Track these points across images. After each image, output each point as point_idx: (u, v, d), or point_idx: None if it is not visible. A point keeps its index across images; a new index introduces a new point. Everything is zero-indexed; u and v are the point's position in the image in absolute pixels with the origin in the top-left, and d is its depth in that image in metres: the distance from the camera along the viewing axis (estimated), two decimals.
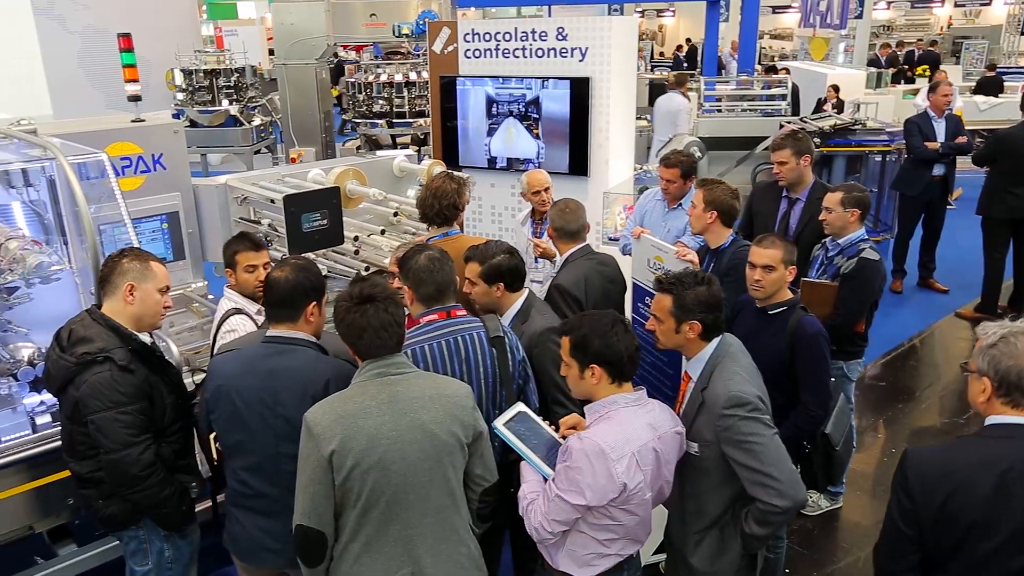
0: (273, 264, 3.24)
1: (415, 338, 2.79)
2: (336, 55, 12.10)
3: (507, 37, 6.42)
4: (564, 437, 2.57)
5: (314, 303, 2.73)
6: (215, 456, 2.83)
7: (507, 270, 3.18)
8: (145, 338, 2.96)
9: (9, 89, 10.94)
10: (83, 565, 3.65)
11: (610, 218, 6.23)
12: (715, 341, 2.77)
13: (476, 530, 2.57)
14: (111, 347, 2.76)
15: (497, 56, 6.51)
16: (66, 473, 3.41)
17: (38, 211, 3.81)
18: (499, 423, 2.65)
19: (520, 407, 2.73)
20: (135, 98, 4.21)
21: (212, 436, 2.79)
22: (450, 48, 6.70)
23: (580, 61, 6.15)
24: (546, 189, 5.04)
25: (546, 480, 2.55)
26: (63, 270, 3.63)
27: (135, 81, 4.22)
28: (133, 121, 4.24)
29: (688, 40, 26.06)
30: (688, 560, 2.77)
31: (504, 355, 2.92)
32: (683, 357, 3.50)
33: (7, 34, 10.69)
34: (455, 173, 4.23)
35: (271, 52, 17.94)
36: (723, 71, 15.64)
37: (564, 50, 6.21)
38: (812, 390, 3.27)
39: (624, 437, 2.44)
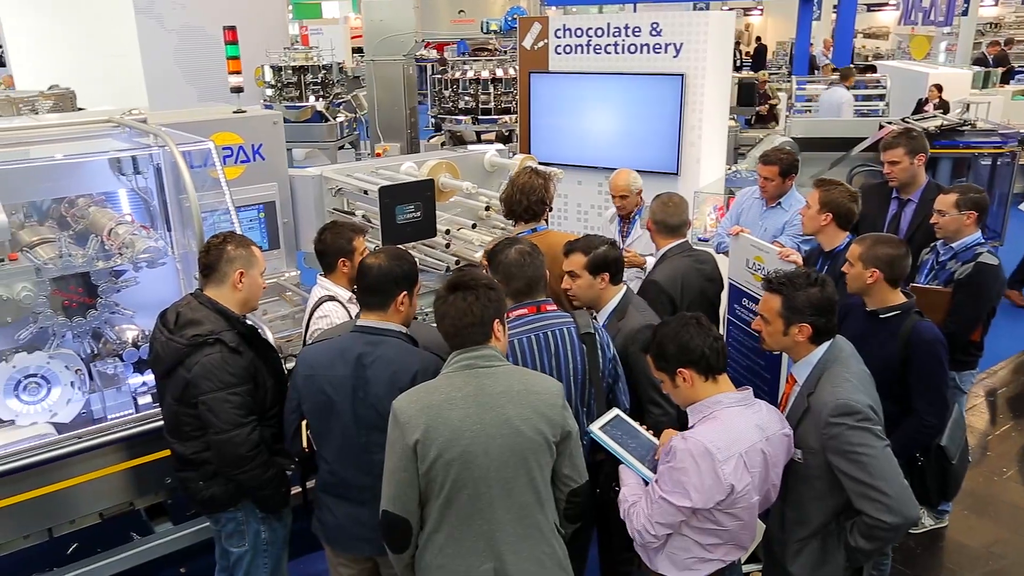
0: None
1: None
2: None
3: (599, 33, 6.33)
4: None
5: (405, 292, 2.70)
6: (305, 444, 2.83)
7: (612, 260, 3.13)
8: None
9: (110, 84, 11.43)
10: (178, 543, 3.75)
11: (699, 218, 6.07)
12: (825, 345, 2.64)
13: (563, 531, 2.52)
14: (220, 329, 2.81)
15: (588, 52, 6.43)
16: (165, 453, 3.51)
17: (145, 198, 3.93)
18: (595, 427, 2.62)
19: (616, 411, 2.70)
20: (237, 89, 4.30)
21: (304, 424, 2.80)
22: (540, 44, 6.65)
23: (674, 57, 6.02)
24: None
25: (647, 483, 2.48)
26: (168, 255, 3.75)
27: (238, 73, 4.31)
28: (235, 112, 4.34)
29: (758, 39, 25.25)
30: (788, 569, 2.66)
31: (594, 352, 2.85)
32: (783, 358, 3.39)
33: (110, 33, 11.16)
34: (540, 168, 4.18)
35: (354, 51, 18.30)
36: (816, 71, 15.12)
37: (658, 46, 6.08)
38: (927, 399, 3.09)
39: (731, 437, 2.35)
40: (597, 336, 2.88)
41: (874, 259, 3.12)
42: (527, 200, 3.91)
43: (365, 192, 4.11)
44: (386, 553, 2.63)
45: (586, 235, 3.25)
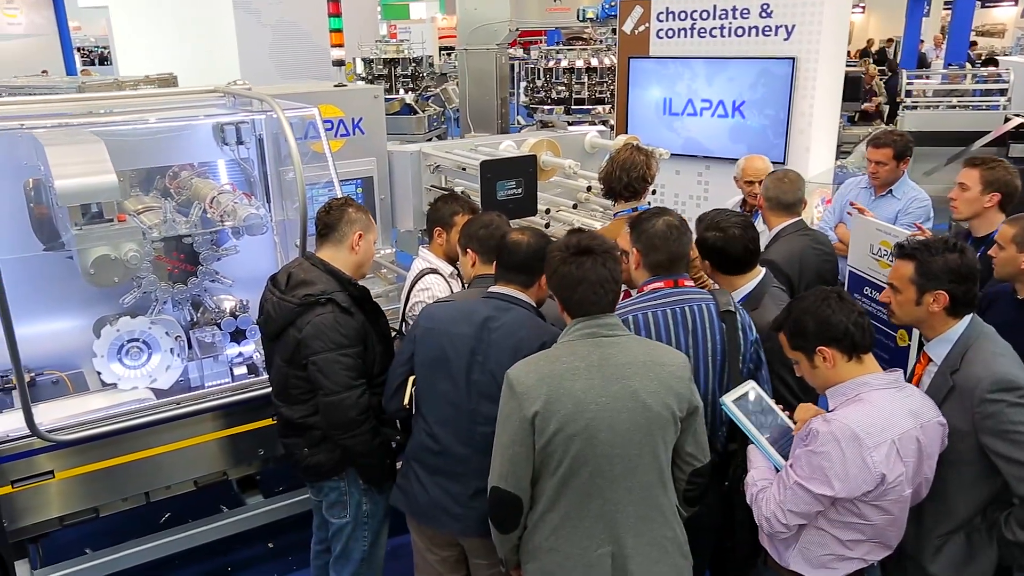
0: None
1: (636, 305, 2.55)
2: None
3: (704, 15, 6.09)
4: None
5: None
6: (406, 401, 2.67)
7: (712, 248, 2.86)
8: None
9: (209, 78, 11.72)
10: (267, 516, 3.72)
11: (807, 209, 5.75)
12: (966, 319, 2.36)
13: (683, 513, 2.34)
14: (332, 290, 2.74)
15: (692, 36, 6.19)
16: (258, 424, 3.49)
17: (246, 167, 3.91)
18: (728, 399, 2.39)
19: (751, 384, 2.45)
20: (339, 62, 4.25)
21: (411, 379, 2.65)
22: (641, 28, 6.45)
23: (785, 40, 5.73)
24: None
25: (777, 471, 2.26)
26: (268, 225, 3.71)
27: (340, 46, 4.26)
28: (336, 86, 4.30)
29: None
30: (926, 568, 2.38)
31: (734, 332, 2.60)
32: (911, 351, 3.08)
33: (210, 27, 11.44)
34: (641, 144, 3.97)
35: (441, 50, 18.47)
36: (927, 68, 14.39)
37: (768, 28, 5.80)
38: None
39: (881, 422, 2.11)
40: (738, 316, 2.63)
41: None
42: (627, 176, 3.68)
43: (463, 169, 4.00)
44: (472, 535, 2.52)
45: (715, 210, 3.00)
